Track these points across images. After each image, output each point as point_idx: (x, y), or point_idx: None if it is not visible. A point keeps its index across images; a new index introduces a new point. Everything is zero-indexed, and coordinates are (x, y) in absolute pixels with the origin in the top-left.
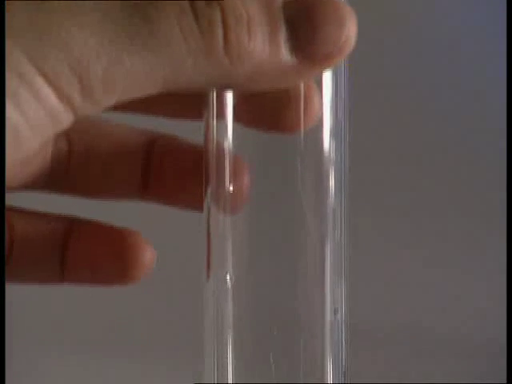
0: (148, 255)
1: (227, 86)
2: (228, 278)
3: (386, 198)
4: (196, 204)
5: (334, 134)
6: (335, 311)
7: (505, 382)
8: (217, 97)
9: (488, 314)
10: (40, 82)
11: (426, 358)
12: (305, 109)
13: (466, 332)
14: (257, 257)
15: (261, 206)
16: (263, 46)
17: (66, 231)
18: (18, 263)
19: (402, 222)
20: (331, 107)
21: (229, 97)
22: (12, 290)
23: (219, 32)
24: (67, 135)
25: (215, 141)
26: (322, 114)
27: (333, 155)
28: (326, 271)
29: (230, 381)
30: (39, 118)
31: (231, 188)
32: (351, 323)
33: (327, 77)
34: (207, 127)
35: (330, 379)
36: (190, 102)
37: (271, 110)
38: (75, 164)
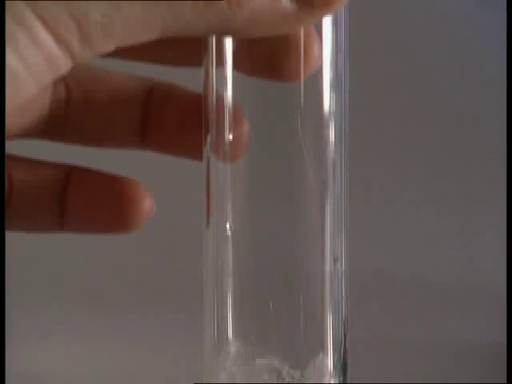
0: (147, 203)
1: (226, 32)
2: (228, 226)
3: (387, 147)
4: (195, 153)
5: (334, 84)
6: (335, 260)
7: (505, 382)
8: (216, 43)
9: (488, 263)
10: (38, 26)
11: (425, 307)
12: (304, 56)
13: (467, 282)
14: (257, 205)
15: (261, 154)
16: None
17: (65, 179)
18: (17, 211)
19: (404, 171)
20: (331, 58)
21: (228, 43)
22: (11, 239)
23: None
24: (66, 83)
25: (215, 88)
26: (321, 64)
27: (333, 106)
28: (326, 220)
29: (229, 330)
30: (37, 63)
31: (231, 136)
32: (351, 273)
33: (327, 27)
34: (206, 74)
35: (330, 327)
36: (189, 49)
37: (270, 57)
38: (74, 111)
